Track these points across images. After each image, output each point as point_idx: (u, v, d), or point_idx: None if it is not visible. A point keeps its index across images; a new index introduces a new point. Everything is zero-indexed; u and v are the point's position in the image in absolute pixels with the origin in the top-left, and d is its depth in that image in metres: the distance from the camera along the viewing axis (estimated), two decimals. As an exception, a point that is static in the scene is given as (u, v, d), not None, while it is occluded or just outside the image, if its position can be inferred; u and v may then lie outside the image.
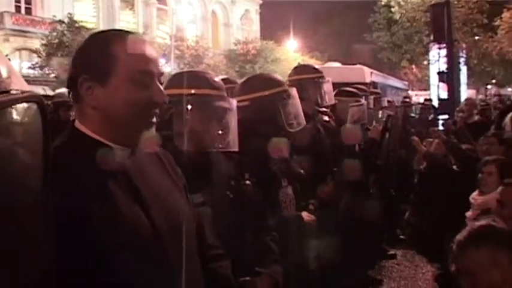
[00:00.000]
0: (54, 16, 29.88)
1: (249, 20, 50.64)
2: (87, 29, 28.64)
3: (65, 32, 28.31)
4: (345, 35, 52.85)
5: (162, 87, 1.76)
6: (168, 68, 34.77)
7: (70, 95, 1.74)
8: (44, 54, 28.50)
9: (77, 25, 29.00)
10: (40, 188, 0.99)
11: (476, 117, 8.97)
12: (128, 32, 1.78)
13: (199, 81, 2.61)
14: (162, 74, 1.79)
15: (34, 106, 0.87)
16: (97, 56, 1.68)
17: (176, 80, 2.70)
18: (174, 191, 1.89)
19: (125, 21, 38.82)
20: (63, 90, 17.38)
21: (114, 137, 1.70)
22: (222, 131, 2.59)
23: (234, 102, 2.68)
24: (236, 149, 2.64)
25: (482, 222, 2.63)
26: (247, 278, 2.57)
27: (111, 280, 1.55)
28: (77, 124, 1.72)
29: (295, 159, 3.97)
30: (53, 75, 27.58)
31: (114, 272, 1.55)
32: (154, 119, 1.75)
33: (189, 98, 2.53)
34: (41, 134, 0.90)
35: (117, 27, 37.73)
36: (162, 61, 34.58)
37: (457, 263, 2.53)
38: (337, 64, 18.64)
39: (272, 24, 50.07)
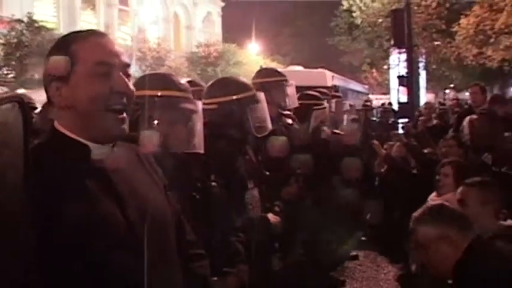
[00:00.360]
0: (13, 15, 29.26)
1: (211, 22, 50.57)
2: (47, 29, 28.26)
3: (24, 31, 27.77)
4: (306, 38, 53.23)
5: (126, 78, 1.78)
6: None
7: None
8: (1, 53, 27.95)
9: (36, 25, 28.46)
10: (21, 186, 1.00)
11: (434, 121, 9.15)
12: (90, 31, 1.82)
13: (166, 83, 2.64)
14: (127, 65, 1.81)
15: (16, 106, 0.88)
16: (58, 58, 1.72)
17: (142, 81, 2.71)
18: (153, 189, 1.91)
19: (86, 21, 38.34)
20: (23, 91, 17.14)
21: (89, 134, 1.73)
22: (188, 132, 2.62)
23: (199, 104, 2.71)
24: (202, 151, 2.67)
25: (436, 202, 2.92)
26: (215, 278, 2.60)
27: (88, 276, 1.58)
28: (56, 124, 1.75)
29: (261, 161, 4.01)
30: (11, 75, 27.06)
31: (90, 268, 1.58)
32: (121, 111, 1.76)
33: (155, 99, 2.54)
34: (22, 134, 0.91)
35: (77, 27, 37.29)
36: (123, 63, 34.37)
37: (413, 238, 2.78)
38: (299, 68, 18.75)
39: (234, 27, 50.11)
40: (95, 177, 1.71)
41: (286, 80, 4.83)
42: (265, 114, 3.68)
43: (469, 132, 5.82)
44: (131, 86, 1.79)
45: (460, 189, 3.77)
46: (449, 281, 2.65)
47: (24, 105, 0.93)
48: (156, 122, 2.46)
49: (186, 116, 2.63)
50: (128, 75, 1.80)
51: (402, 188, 7.01)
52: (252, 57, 42.30)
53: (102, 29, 36.13)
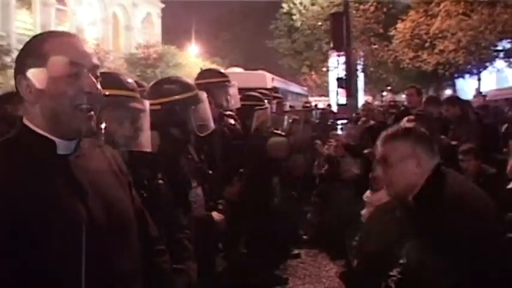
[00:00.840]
0: None
1: (151, 23, 50.09)
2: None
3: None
4: (244, 41, 53.44)
5: (94, 79, 1.82)
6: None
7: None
8: None
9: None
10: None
11: (372, 122, 9.35)
12: (62, 32, 1.88)
13: (113, 82, 2.64)
14: (96, 66, 1.85)
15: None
16: (30, 55, 1.77)
17: None
18: (115, 185, 1.96)
19: (21, 21, 37.39)
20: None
21: (56, 131, 1.77)
22: (135, 131, 2.63)
23: (147, 104, 2.73)
24: (149, 149, 2.69)
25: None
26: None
27: (47, 269, 1.63)
28: (24, 120, 1.80)
29: (204, 160, 4.04)
30: None
31: (50, 262, 1.63)
32: (89, 109, 1.80)
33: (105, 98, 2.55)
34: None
35: (12, 27, 36.46)
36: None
37: (380, 155, 2.79)
38: (239, 69, 18.82)
39: (174, 28, 49.83)
40: (60, 171, 1.76)
41: (228, 81, 4.88)
42: (208, 114, 3.72)
43: None
44: (99, 87, 1.84)
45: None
46: (410, 201, 2.68)
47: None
48: (104, 120, 2.47)
49: (134, 115, 2.65)
50: (97, 76, 1.85)
51: (341, 187, 7.17)
52: (191, 59, 42.15)
53: (38, 29, 35.34)
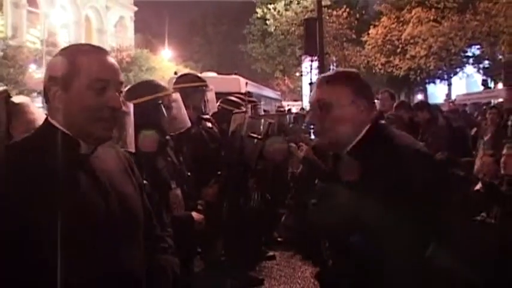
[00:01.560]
0: None
1: (124, 27, 49.84)
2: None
3: None
4: (219, 45, 53.51)
5: (118, 95, 1.99)
6: (39, 74, 33.49)
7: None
8: None
9: None
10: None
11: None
12: (93, 46, 2.05)
13: None
14: (121, 83, 2.03)
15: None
16: (62, 66, 1.92)
17: None
18: (129, 185, 2.14)
19: (-8, 22, 37.00)
20: None
21: (78, 134, 1.94)
22: (119, 132, 2.73)
23: (131, 106, 2.83)
24: (133, 150, 2.79)
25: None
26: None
27: (72, 259, 1.76)
28: (49, 119, 1.95)
29: (182, 163, 4.13)
30: None
31: (73, 252, 1.76)
32: (111, 122, 1.98)
33: None
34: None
35: (-17, 29, 36.02)
36: (33, 67, 33.30)
37: (316, 98, 2.48)
38: (213, 74, 18.85)
39: (147, 32, 49.66)
40: (83, 169, 1.93)
41: (206, 86, 4.99)
42: (180, 114, 3.85)
43: None
44: (121, 102, 2.01)
45: None
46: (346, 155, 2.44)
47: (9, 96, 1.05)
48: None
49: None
50: (120, 92, 2.03)
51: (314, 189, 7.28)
52: (164, 63, 42.06)
53: (9, 31, 34.98)
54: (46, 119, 1.98)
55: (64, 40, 38.30)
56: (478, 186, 4.60)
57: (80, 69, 1.91)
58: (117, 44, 41.68)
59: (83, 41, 43.36)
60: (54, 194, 1.76)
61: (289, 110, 20.50)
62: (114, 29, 48.30)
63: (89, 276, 1.81)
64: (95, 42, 46.00)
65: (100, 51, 2.01)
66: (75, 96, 1.90)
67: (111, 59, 2.02)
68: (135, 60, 38.66)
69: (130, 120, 2.81)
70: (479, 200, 4.54)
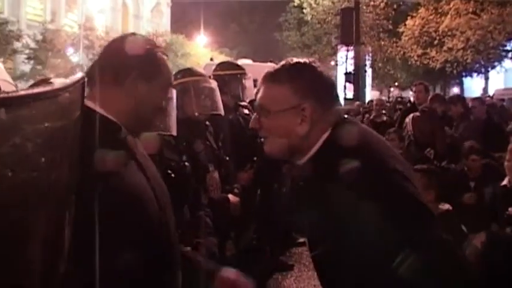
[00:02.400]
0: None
1: (160, 12, 50.22)
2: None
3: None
4: (254, 33, 53.41)
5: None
6: (76, 57, 33.97)
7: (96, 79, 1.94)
8: None
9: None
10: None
11: (384, 117, 9.48)
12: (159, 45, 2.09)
13: None
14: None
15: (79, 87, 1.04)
16: (147, 58, 1.94)
17: None
18: (155, 167, 2.13)
19: (31, 6, 37.61)
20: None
21: (128, 123, 1.91)
22: (164, 116, 2.83)
23: (173, 91, 2.93)
24: (174, 133, 2.90)
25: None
26: (188, 249, 2.82)
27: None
28: (87, 102, 1.85)
29: (221, 147, 4.25)
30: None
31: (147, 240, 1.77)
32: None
33: None
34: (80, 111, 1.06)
35: (22, 13, 36.60)
36: (70, 50, 33.78)
37: (258, 97, 2.00)
38: (248, 61, 18.86)
39: (183, 18, 49.84)
40: (127, 151, 1.89)
41: (245, 74, 5.11)
42: (213, 100, 3.94)
43: (412, 129, 6.17)
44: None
45: None
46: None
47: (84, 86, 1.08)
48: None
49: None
50: None
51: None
52: (199, 49, 42.26)
53: (48, 15, 35.51)
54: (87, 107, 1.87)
55: (100, 24, 38.72)
56: (505, 181, 4.60)
57: (162, 67, 1.98)
58: (153, 29, 41.96)
59: (119, 26, 44.02)
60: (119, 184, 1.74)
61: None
62: (151, 15, 48.69)
63: (144, 258, 1.75)
64: (131, 27, 46.49)
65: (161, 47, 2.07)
66: (155, 90, 1.95)
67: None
68: (170, 46, 38.87)
69: (173, 104, 2.92)
70: (507, 195, 4.55)
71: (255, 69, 13.94)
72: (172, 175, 2.84)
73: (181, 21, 49.01)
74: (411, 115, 6.43)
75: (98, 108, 1.86)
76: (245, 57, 23.59)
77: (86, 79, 1.01)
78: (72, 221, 1.00)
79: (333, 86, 2.03)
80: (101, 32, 36.53)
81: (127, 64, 1.91)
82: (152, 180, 1.91)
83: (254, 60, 20.13)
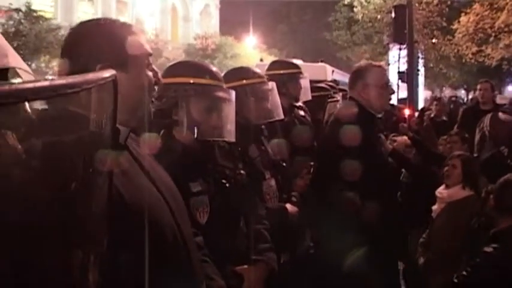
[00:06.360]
0: (11, 4, 29.04)
1: (209, 14, 50.49)
2: (45, 18, 28.12)
3: (22, 21, 27.58)
4: (303, 33, 53.13)
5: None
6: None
7: None
8: (-1, 42, 27.72)
9: (34, 14, 28.29)
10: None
11: (444, 117, 9.20)
12: (129, 24, 1.86)
13: (200, 71, 2.64)
14: (150, 54, 1.84)
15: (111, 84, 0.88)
16: (114, 44, 1.72)
17: (177, 69, 2.72)
18: (162, 169, 1.93)
19: (83, 11, 38.23)
20: (19, 80, 17.11)
21: (122, 119, 1.69)
22: (221, 121, 2.62)
23: (232, 93, 2.71)
24: (233, 140, 2.68)
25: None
26: (245, 266, 2.60)
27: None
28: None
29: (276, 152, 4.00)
30: (8, 64, 26.86)
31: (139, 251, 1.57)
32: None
33: (190, 87, 2.55)
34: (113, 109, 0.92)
35: (75, 18, 37.28)
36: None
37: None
38: (299, 61, 18.64)
39: (231, 20, 50.03)
40: (127, 159, 1.70)
41: (301, 73, 4.83)
42: (272, 103, 3.71)
43: (489, 125, 5.93)
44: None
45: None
46: None
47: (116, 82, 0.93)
48: (188, 109, 2.47)
49: (220, 104, 2.63)
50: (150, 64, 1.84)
51: (407, 182, 7.00)
52: (248, 50, 42.24)
53: (99, 19, 36.06)
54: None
55: (150, 27, 39.15)
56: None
57: (133, 46, 1.73)
58: (202, 31, 42.18)
59: (169, 29, 44.43)
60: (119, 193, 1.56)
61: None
62: (200, 17, 48.96)
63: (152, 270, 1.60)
64: (180, 29, 46.93)
65: (133, 25, 1.84)
66: (134, 76, 1.73)
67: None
68: (220, 48, 39.04)
69: (232, 107, 2.70)
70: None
71: (306, 70, 13.80)
72: (227, 184, 2.62)
73: (230, 23, 49.19)
74: (491, 113, 6.20)
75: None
76: (295, 57, 23.45)
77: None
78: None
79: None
80: (150, 34, 36.94)
81: (89, 58, 1.69)
82: (159, 183, 1.74)
83: (304, 61, 19.96)
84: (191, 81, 2.57)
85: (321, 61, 18.09)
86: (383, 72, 3.93)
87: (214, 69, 2.74)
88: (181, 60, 3.14)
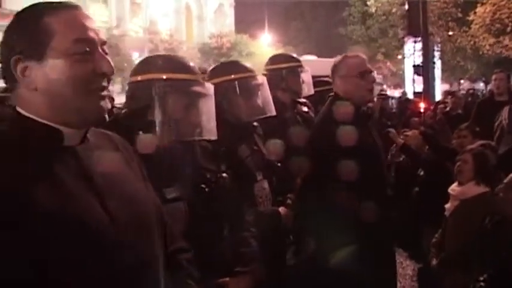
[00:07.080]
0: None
1: (223, 13, 50.50)
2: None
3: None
4: (318, 29, 52.96)
5: (107, 56, 1.55)
6: (141, 61, 34.49)
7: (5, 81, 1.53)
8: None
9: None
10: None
11: (459, 110, 8.98)
12: (62, 3, 1.56)
13: (175, 66, 2.44)
14: (104, 42, 1.57)
15: None
16: (28, 31, 1.48)
17: (147, 65, 2.51)
18: (131, 177, 1.68)
19: (97, 14, 38.29)
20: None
21: (61, 118, 1.49)
22: (200, 118, 2.41)
23: (211, 88, 2.48)
24: (215, 137, 2.45)
25: None
26: (227, 279, 2.39)
27: (62, 275, 1.35)
28: (18, 109, 1.50)
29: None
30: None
31: (65, 267, 1.35)
32: (103, 92, 1.53)
33: (164, 83, 2.35)
34: None
35: (89, 20, 37.42)
36: (135, 54, 34.32)
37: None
38: (313, 57, 18.51)
39: (246, 18, 50.00)
40: (69, 166, 1.47)
41: (301, 66, 4.56)
42: (263, 98, 3.49)
43: (508, 118, 5.81)
44: (113, 66, 1.55)
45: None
46: None
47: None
48: (164, 107, 2.29)
49: (197, 100, 2.42)
50: (106, 54, 1.56)
51: (420, 178, 6.76)
52: (264, 48, 42.13)
53: (113, 21, 36.16)
54: (13, 109, 1.48)
55: (165, 28, 39.24)
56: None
57: (54, 30, 1.46)
58: (217, 31, 42.22)
59: (183, 29, 44.48)
60: (36, 207, 1.33)
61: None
62: (214, 16, 48.97)
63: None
64: (195, 29, 47.01)
65: (70, 7, 1.54)
66: (55, 67, 1.45)
67: (87, 15, 1.56)
68: (235, 46, 39.07)
69: (212, 103, 2.47)
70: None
71: (320, 65, 13.62)
72: (206, 189, 2.39)
73: (245, 21, 49.16)
74: (507, 107, 6.05)
75: (32, 115, 1.47)
76: (310, 53, 23.32)
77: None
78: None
79: None
80: (164, 35, 36.99)
81: (6, 52, 1.47)
82: (108, 194, 1.49)
83: (319, 57, 19.81)
84: (164, 77, 2.35)
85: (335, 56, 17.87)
86: (358, 62, 3.69)
87: (189, 62, 2.51)
88: (152, 55, 2.90)
